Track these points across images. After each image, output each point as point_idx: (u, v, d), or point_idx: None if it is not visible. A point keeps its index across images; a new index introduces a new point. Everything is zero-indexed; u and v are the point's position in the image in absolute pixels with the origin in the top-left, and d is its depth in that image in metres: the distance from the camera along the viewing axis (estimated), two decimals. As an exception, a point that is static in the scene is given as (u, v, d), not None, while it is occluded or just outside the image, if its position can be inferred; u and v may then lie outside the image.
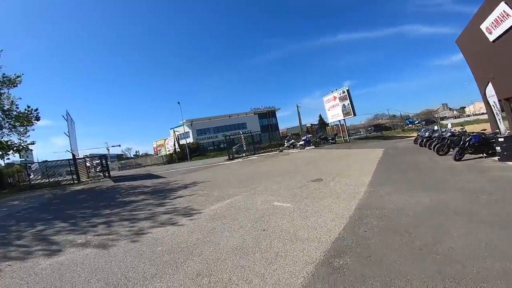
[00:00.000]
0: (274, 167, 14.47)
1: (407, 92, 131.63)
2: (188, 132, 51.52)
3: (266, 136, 33.30)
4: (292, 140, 30.93)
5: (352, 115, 27.79)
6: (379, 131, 43.72)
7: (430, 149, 12.56)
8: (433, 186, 6.19)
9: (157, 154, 58.21)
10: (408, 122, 49.96)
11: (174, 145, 46.24)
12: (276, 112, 62.61)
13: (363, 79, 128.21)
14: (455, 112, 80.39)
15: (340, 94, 28.76)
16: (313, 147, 26.74)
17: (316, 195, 6.58)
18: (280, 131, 60.21)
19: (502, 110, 12.58)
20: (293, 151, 25.88)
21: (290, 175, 10.50)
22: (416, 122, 50.08)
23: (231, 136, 29.30)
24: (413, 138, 19.29)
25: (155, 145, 62.88)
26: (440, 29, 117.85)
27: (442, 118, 57.86)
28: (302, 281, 2.73)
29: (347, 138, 30.64)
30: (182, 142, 46.27)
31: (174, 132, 48.43)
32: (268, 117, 59.31)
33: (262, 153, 27.56)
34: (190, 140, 49.81)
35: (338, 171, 9.89)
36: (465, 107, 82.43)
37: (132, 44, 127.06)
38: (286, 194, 7.08)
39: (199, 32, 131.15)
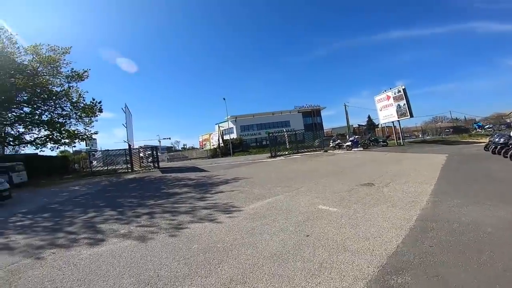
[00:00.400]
0: (318, 167, 13.73)
1: (473, 94, 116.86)
2: (232, 128, 52.60)
3: (309, 135, 32.20)
4: (338, 141, 29.38)
5: (409, 117, 25.29)
6: (459, 132, 39.75)
7: (506, 157, 10.83)
8: (516, 200, 5.04)
9: (202, 148, 60.75)
10: (477, 126, 43.88)
11: (219, 140, 47.61)
12: (321, 111, 60.60)
13: (418, 79, 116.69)
14: (535, 116, 68.60)
15: (394, 94, 26.38)
16: (361, 148, 24.98)
17: (367, 201, 5.86)
18: (324, 130, 58.14)
19: None
20: (339, 151, 24.51)
21: (336, 177, 9.75)
22: (486, 126, 43.72)
23: (274, 134, 28.93)
24: (483, 144, 16.88)
25: (200, 139, 65.83)
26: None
27: (519, 124, 49.85)
28: (350, 300, 2.29)
29: (401, 141, 27.98)
30: (226, 137, 47.44)
31: (219, 127, 49.88)
32: (312, 116, 57.75)
33: (306, 152, 26.68)
34: (233, 136, 50.85)
35: (392, 176, 8.86)
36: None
37: (186, 41, 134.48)
38: (332, 197, 6.47)
39: (250, 26, 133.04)
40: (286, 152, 27.12)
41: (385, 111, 28.39)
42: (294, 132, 30.30)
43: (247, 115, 55.57)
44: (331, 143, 29.21)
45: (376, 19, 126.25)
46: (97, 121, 21.27)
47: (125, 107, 22.96)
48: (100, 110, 20.63)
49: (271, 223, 4.76)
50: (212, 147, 52.73)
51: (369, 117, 58.26)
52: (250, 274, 2.89)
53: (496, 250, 3.00)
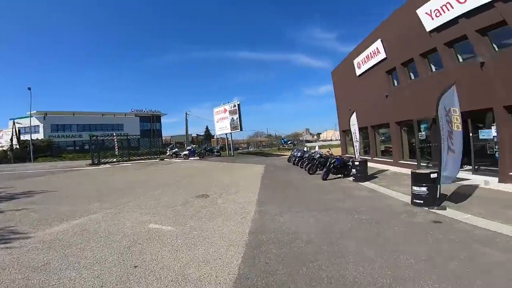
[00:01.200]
0: (152, 177, 12.55)
1: (284, 114, 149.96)
2: (38, 126, 40.05)
3: (146, 141, 29.71)
4: (176, 149, 28.96)
5: (239, 130, 28.75)
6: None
7: (302, 168, 13.67)
8: (313, 205, 6.32)
9: (-20, 150, 42.09)
10: (283, 142, 57.05)
11: (12, 139, 34.65)
12: (161, 117, 58.28)
13: (251, 96, 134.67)
14: (315, 137, 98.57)
15: (231, 108, 29.32)
16: (197, 158, 25.73)
17: (203, 214, 5.62)
18: (163, 138, 56.16)
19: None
20: (176, 160, 24.08)
21: (171, 188, 9.12)
22: (289, 142, 57.81)
23: (99, 137, 24.35)
24: (287, 156, 20.93)
25: (-22, 138, 45.18)
26: (316, 61, 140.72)
27: (307, 141, 69.91)
28: None
29: (232, 151, 31.41)
30: (26, 137, 35.34)
31: (14, 123, 36.36)
32: (151, 121, 54.28)
33: (140, 160, 24.31)
34: (40, 136, 38.84)
35: (224, 186, 9.32)
36: (320, 133, 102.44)
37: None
38: (166, 213, 5.78)
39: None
40: (115, 160, 23.55)
41: (221, 123, 30.99)
42: (126, 137, 26.87)
43: (64, 112, 43.99)
44: (168, 151, 28.27)
45: (228, 36, 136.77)
46: None
47: None
48: None
49: (80, 253, 3.48)
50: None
51: (207, 127, 61.95)
52: None
53: (317, 259, 3.31)
